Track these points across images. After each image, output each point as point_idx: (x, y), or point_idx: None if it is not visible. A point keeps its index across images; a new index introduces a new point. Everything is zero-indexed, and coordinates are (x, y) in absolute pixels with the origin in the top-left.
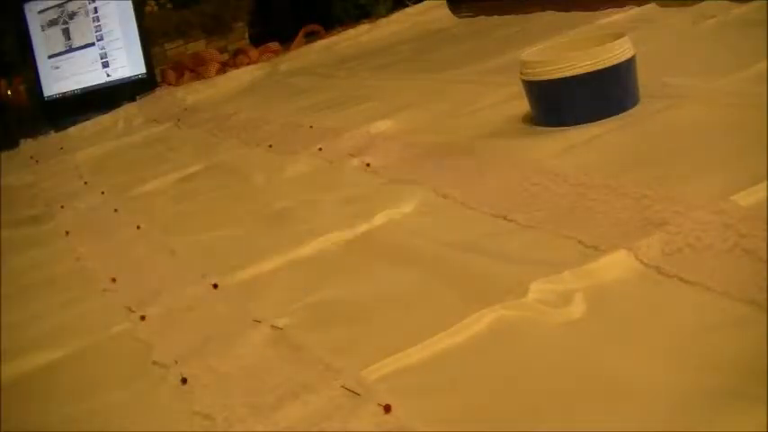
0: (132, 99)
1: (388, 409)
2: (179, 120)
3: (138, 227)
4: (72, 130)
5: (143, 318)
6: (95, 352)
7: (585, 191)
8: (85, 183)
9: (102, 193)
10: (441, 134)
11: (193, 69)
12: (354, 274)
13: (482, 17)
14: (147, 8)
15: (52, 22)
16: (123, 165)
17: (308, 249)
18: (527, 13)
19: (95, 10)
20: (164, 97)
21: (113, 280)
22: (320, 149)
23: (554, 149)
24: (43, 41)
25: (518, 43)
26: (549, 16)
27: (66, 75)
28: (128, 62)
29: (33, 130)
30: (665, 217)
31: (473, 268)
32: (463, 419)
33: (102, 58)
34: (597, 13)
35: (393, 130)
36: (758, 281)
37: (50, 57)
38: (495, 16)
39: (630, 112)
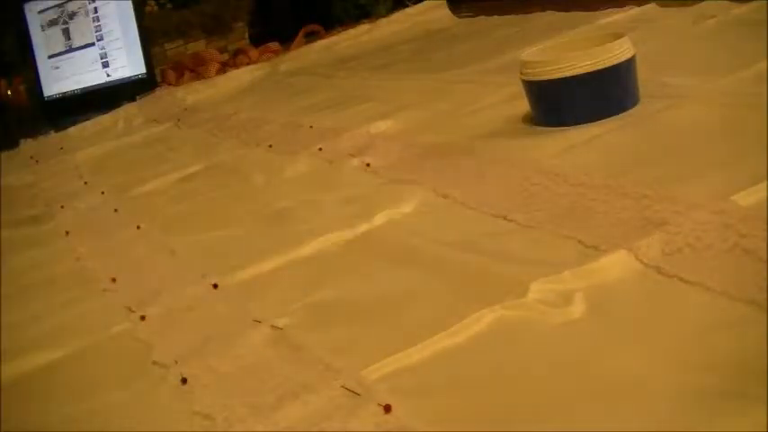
0: (132, 99)
1: (388, 409)
2: (179, 120)
3: (138, 227)
4: (72, 130)
5: (143, 318)
6: (95, 352)
7: (585, 191)
8: (85, 183)
9: (102, 193)
10: (441, 134)
11: (193, 69)
12: (354, 274)
13: (482, 17)
14: (147, 8)
15: (52, 22)
16: (123, 165)
17: (308, 249)
18: (527, 13)
19: (95, 10)
20: (164, 97)
21: (113, 280)
22: (320, 149)
23: (554, 149)
24: (43, 41)
25: (518, 43)
26: (549, 16)
27: (66, 75)
28: (128, 62)
29: (33, 130)
30: (665, 217)
31: (473, 268)
32: (463, 419)
33: (102, 58)
34: (597, 13)
35: (393, 130)
36: (758, 281)
37: (50, 57)
38: (495, 16)
39: (630, 112)
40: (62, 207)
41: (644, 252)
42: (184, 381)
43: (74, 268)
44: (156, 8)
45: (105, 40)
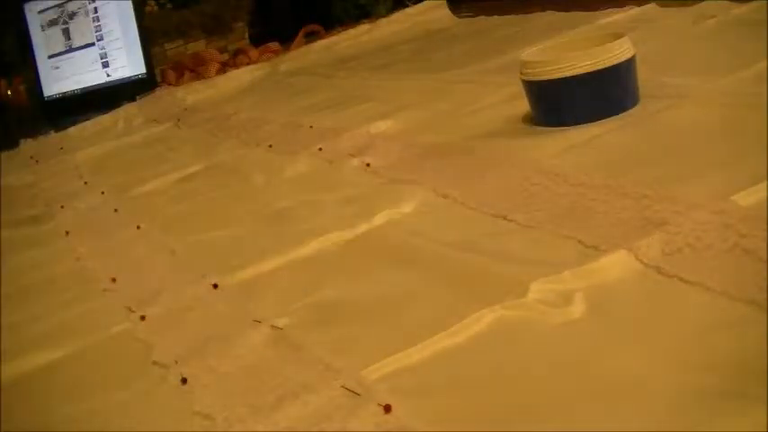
0: (132, 99)
1: (388, 409)
2: (179, 120)
3: (138, 227)
4: (72, 130)
5: (143, 318)
6: (95, 352)
7: (585, 191)
8: (85, 183)
9: (102, 193)
10: (441, 134)
11: (193, 69)
12: (354, 274)
13: (482, 17)
14: (147, 8)
15: (52, 22)
16: (123, 165)
17: (307, 249)
18: (527, 13)
19: (95, 10)
20: (164, 97)
21: (113, 280)
22: (320, 149)
23: (554, 149)
24: (43, 41)
25: (518, 43)
26: (549, 16)
27: (66, 75)
28: (128, 62)
29: (33, 130)
30: (665, 217)
31: (473, 268)
32: (463, 419)
33: (102, 58)
34: (597, 13)
35: (393, 130)
36: (758, 281)
37: (50, 57)
38: (495, 16)
39: (630, 112)
40: (62, 207)
41: (644, 252)
42: (184, 381)
43: (74, 268)
44: (156, 8)
45: (105, 40)
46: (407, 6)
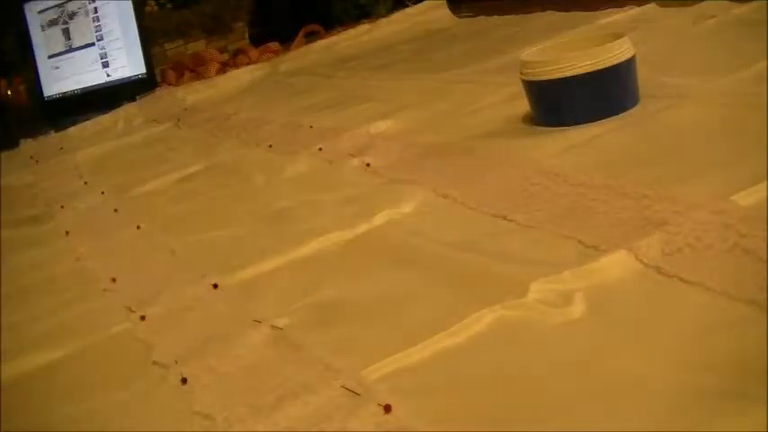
0: (132, 99)
1: (388, 409)
2: (179, 120)
3: (138, 227)
4: (72, 130)
5: (143, 318)
6: (95, 352)
7: (585, 191)
8: (85, 183)
9: (102, 193)
10: (441, 134)
11: (193, 69)
12: (354, 274)
13: (482, 17)
14: (147, 8)
15: (52, 22)
16: (123, 165)
17: (307, 249)
18: (527, 13)
19: (95, 10)
20: (164, 97)
21: (113, 280)
22: (320, 149)
23: (554, 149)
24: (43, 41)
25: (518, 43)
26: (549, 16)
27: (66, 75)
28: (128, 62)
29: (33, 130)
30: (665, 217)
31: (473, 268)
32: (463, 419)
33: (102, 58)
34: (597, 13)
35: (393, 130)
36: (758, 281)
37: (50, 57)
38: (495, 16)
39: (630, 112)
40: (62, 207)
41: (644, 252)
42: (184, 381)
43: (74, 268)
44: (156, 8)
45: (105, 40)
46: (407, 6)
